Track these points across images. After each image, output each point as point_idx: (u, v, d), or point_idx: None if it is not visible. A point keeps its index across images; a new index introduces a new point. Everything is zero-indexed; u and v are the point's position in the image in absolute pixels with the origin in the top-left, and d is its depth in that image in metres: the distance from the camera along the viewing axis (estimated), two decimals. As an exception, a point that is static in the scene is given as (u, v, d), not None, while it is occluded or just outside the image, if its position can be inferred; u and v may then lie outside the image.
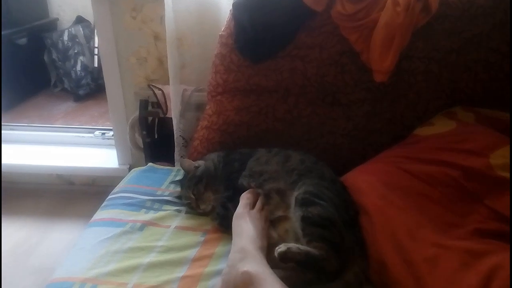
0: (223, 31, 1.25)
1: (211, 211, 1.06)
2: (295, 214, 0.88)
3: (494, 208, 0.88)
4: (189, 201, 1.09)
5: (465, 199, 0.92)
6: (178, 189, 1.15)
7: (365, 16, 1.11)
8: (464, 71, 1.14)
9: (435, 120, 1.13)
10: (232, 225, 0.93)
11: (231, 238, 0.97)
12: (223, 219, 1.01)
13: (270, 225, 0.94)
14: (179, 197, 1.13)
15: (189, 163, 1.15)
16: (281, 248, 0.78)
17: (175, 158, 1.47)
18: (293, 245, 0.79)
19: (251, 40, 1.17)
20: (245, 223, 0.90)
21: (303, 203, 0.88)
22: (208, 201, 1.07)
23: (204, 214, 1.07)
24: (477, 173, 0.92)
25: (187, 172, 1.14)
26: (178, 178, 1.20)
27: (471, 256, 0.77)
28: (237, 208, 0.96)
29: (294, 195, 0.91)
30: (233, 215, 0.97)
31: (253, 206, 0.97)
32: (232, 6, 1.19)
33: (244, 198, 0.98)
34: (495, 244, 0.80)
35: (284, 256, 0.77)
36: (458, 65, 1.14)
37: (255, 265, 0.76)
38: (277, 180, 1.00)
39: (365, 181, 0.99)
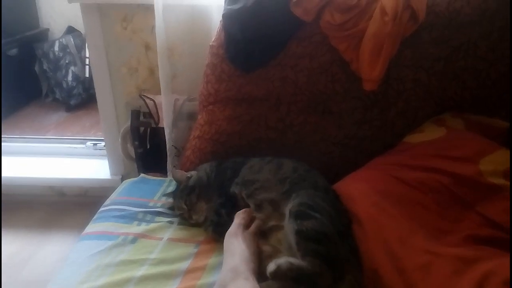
0: (213, 42, 1.26)
1: (204, 221, 1.06)
2: (288, 226, 0.86)
3: (485, 214, 0.88)
4: (181, 212, 1.08)
5: (456, 206, 0.92)
6: (171, 200, 1.14)
7: (354, 26, 1.12)
8: (452, 79, 1.15)
9: (424, 127, 1.14)
10: (224, 242, 0.91)
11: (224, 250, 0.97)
12: (216, 226, 1.00)
13: (262, 237, 0.92)
14: (171, 208, 1.13)
15: (181, 173, 1.14)
16: (271, 267, 0.75)
17: (167, 168, 1.46)
18: (284, 262, 0.77)
19: (242, 50, 1.18)
20: (238, 243, 0.87)
21: (297, 215, 0.86)
22: (201, 211, 1.07)
23: (196, 224, 1.06)
24: (467, 179, 0.93)
25: (179, 182, 1.14)
26: (170, 189, 1.19)
27: (463, 263, 0.77)
28: (231, 226, 0.93)
29: (288, 207, 0.90)
30: (226, 222, 0.97)
31: (247, 226, 0.94)
32: (222, 17, 1.20)
33: (239, 218, 0.95)
34: (487, 250, 0.81)
35: (275, 275, 0.76)
36: (446, 73, 1.15)
37: (248, 286, 0.75)
38: (269, 190, 0.99)
39: (357, 189, 1.00)
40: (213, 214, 1.03)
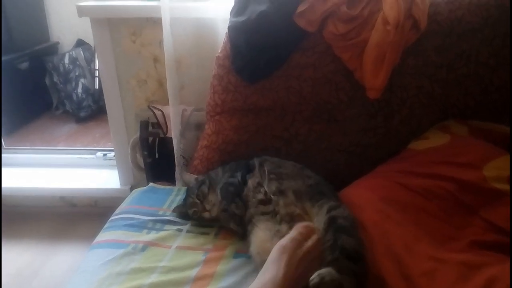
0: (219, 53, 1.29)
1: (216, 218, 1.07)
2: (326, 235, 0.84)
3: (490, 220, 0.89)
4: (195, 209, 1.10)
5: (461, 212, 0.93)
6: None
7: (357, 35, 1.14)
8: (455, 86, 1.17)
9: (429, 134, 1.16)
10: (272, 251, 0.82)
11: (232, 256, 0.99)
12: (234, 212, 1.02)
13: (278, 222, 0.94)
14: (182, 214, 1.14)
15: (189, 176, 1.18)
16: (315, 279, 0.73)
17: (176, 177, 1.49)
18: (327, 273, 0.75)
19: (248, 62, 1.21)
20: (279, 264, 0.78)
21: (339, 229, 0.85)
22: (213, 202, 1.09)
23: (210, 220, 1.08)
24: (472, 185, 0.94)
25: (188, 184, 1.16)
26: (179, 198, 1.22)
27: (468, 268, 0.78)
28: (284, 238, 0.84)
29: (323, 210, 0.91)
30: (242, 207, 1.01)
31: (302, 242, 0.84)
32: (228, 29, 1.23)
33: (297, 231, 0.85)
34: (492, 256, 0.81)
35: (318, 286, 0.74)
36: (449, 80, 1.17)
37: None
38: (294, 180, 1.02)
39: (362, 196, 1.01)
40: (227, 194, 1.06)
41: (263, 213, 0.99)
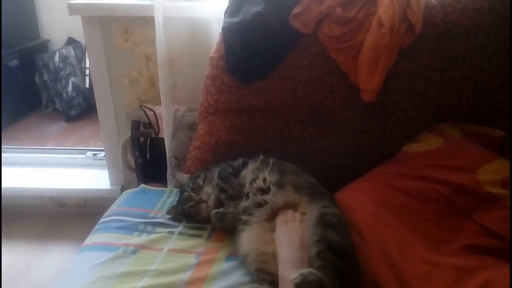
0: (213, 53, 1.27)
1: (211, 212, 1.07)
2: (315, 230, 0.88)
3: (483, 223, 0.89)
4: (191, 203, 1.09)
5: (455, 215, 0.93)
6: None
7: (352, 38, 1.14)
8: (449, 89, 1.17)
9: (422, 137, 1.16)
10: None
11: (225, 259, 0.98)
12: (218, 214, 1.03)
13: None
14: (177, 215, 1.13)
15: (182, 175, 1.20)
16: (296, 279, 0.76)
17: (167, 178, 1.47)
18: (309, 273, 0.77)
19: (242, 62, 1.19)
20: (282, 245, 0.90)
21: (327, 224, 0.88)
22: (209, 193, 1.09)
23: (205, 218, 1.07)
24: (465, 189, 0.94)
25: (181, 183, 1.17)
26: (170, 200, 1.21)
27: (462, 272, 0.78)
28: (278, 226, 0.95)
29: (317, 206, 0.93)
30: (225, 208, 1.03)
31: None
32: (222, 30, 1.22)
33: (282, 214, 0.97)
34: (486, 260, 0.81)
35: (301, 286, 0.76)
36: (443, 83, 1.17)
37: None
38: (296, 176, 1.04)
39: (356, 199, 1.00)
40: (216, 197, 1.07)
41: (258, 205, 1.00)
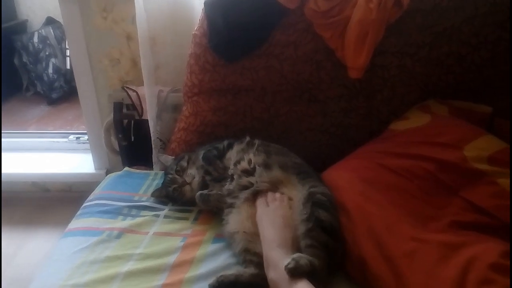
0: (196, 30, 1.23)
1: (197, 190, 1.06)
2: (304, 209, 0.87)
3: (470, 199, 0.89)
4: (175, 186, 1.08)
5: (441, 192, 0.93)
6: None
7: (338, 13, 1.11)
8: (437, 64, 1.15)
9: (409, 114, 1.15)
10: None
11: (211, 241, 0.97)
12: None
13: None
14: (161, 197, 1.11)
15: (166, 157, 1.19)
16: (290, 264, 0.76)
17: (153, 161, 1.44)
18: (300, 257, 0.77)
19: (225, 39, 1.16)
20: (264, 226, 0.89)
21: (317, 203, 0.88)
22: (193, 176, 1.08)
23: (190, 200, 1.06)
24: (452, 165, 0.94)
25: (166, 165, 1.15)
26: (155, 183, 1.18)
27: (448, 248, 0.78)
28: (258, 207, 0.95)
29: (306, 186, 0.92)
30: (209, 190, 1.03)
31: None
32: (204, 4, 1.17)
33: (261, 197, 0.97)
34: (472, 235, 0.82)
35: (294, 271, 0.75)
36: (431, 59, 1.15)
37: (275, 273, 0.79)
38: (282, 156, 1.03)
39: (343, 178, 0.99)
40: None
41: (243, 188, 0.98)
